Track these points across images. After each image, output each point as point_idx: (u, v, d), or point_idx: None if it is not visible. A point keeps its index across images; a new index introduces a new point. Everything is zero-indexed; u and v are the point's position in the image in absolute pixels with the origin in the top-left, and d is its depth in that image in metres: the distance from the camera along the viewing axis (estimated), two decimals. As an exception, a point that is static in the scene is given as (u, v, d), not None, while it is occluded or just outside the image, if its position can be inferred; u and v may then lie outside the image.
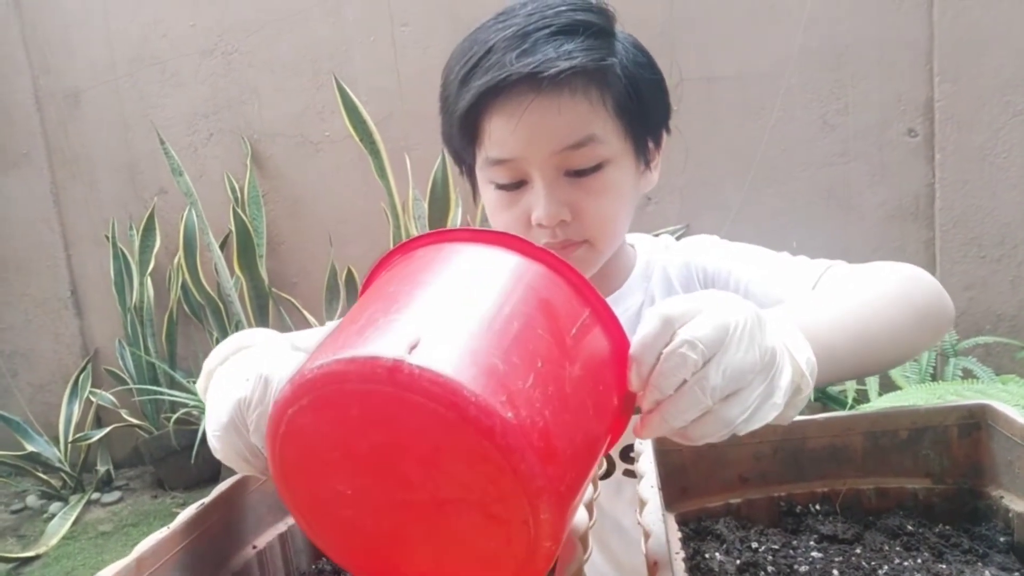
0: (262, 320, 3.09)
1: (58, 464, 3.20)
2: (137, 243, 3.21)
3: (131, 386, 3.21)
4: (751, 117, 2.65)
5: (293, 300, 3.12)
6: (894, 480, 0.59)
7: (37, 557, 2.71)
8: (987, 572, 0.50)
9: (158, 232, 3.24)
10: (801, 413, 0.57)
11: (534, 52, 0.72)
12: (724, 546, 0.55)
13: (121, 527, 2.92)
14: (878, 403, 2.00)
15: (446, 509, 0.39)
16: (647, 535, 0.48)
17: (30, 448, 3.15)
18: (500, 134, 0.75)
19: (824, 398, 2.34)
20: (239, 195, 3.09)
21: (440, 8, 2.85)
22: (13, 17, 3.26)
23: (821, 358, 0.52)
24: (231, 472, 0.58)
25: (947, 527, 0.57)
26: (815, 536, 0.56)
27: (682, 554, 0.50)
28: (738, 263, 0.88)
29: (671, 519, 0.57)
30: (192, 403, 3.02)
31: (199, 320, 3.24)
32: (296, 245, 3.18)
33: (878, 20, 2.50)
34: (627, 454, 0.89)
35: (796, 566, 0.52)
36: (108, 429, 3.21)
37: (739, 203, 2.68)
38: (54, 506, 3.09)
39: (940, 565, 0.51)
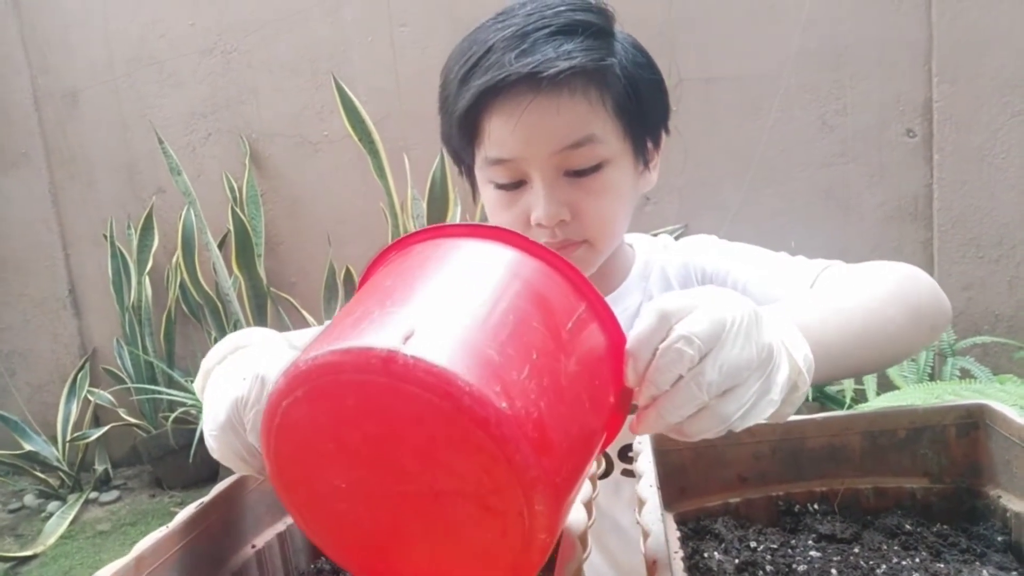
0: (260, 320, 3.08)
1: (56, 463, 3.20)
2: (135, 243, 3.21)
3: (129, 385, 3.21)
4: (750, 117, 2.65)
5: (292, 300, 3.12)
6: (892, 480, 0.59)
7: (35, 556, 2.71)
8: (985, 571, 0.50)
9: (156, 232, 3.24)
10: (799, 413, 0.57)
11: (533, 52, 0.72)
12: (723, 545, 0.55)
13: (119, 526, 2.92)
14: (876, 403, 2.00)
15: (441, 501, 0.39)
16: (646, 534, 0.48)
17: (28, 447, 3.15)
18: (499, 134, 0.75)
19: (822, 398, 2.34)
20: (237, 195, 3.08)
21: (439, 8, 2.85)
22: (12, 17, 3.26)
23: (818, 355, 0.52)
24: (230, 472, 0.58)
25: (945, 526, 0.57)
26: (813, 535, 0.56)
27: (681, 553, 0.50)
28: (736, 263, 0.88)
29: (670, 518, 0.57)
30: (190, 402, 3.02)
31: (197, 320, 3.24)
32: (295, 245, 3.18)
33: (877, 21, 2.51)
34: (625, 454, 0.89)
35: (795, 565, 0.52)
36: (106, 428, 3.21)
37: (738, 203, 2.68)
38: (52, 505, 3.09)
39: (938, 564, 0.51)
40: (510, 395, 0.36)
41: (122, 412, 3.21)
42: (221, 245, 3.07)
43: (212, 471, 3.10)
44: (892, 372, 2.21)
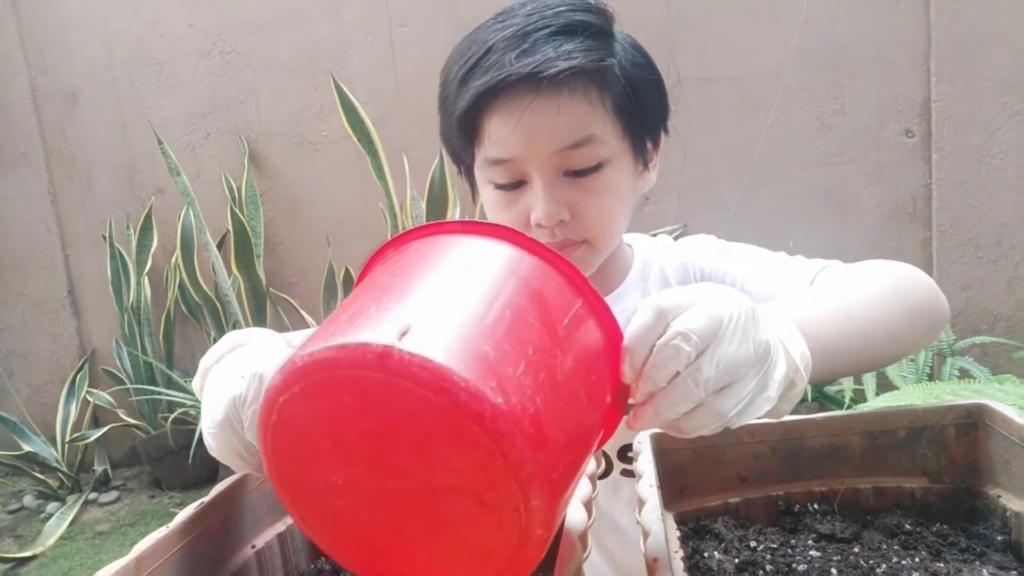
0: (260, 320, 3.08)
1: (55, 464, 3.19)
2: (134, 243, 3.21)
3: (128, 386, 3.21)
4: (748, 118, 2.66)
5: (291, 300, 3.12)
6: (892, 479, 0.60)
7: (34, 557, 2.71)
8: (984, 571, 0.50)
9: (155, 232, 3.23)
10: (798, 412, 0.57)
11: (534, 52, 0.72)
12: (723, 545, 0.55)
13: (118, 527, 2.92)
14: (875, 403, 2.01)
15: (438, 497, 0.39)
16: (646, 534, 0.48)
17: (27, 448, 3.15)
18: (499, 134, 0.75)
19: (821, 398, 2.34)
20: (237, 195, 3.08)
21: (438, 9, 2.85)
22: (11, 16, 3.25)
23: (816, 353, 0.52)
24: (229, 472, 0.58)
25: (945, 526, 0.57)
26: (813, 535, 0.56)
27: (681, 553, 0.50)
28: (735, 262, 0.88)
29: (670, 518, 0.57)
30: (189, 403, 3.02)
31: (196, 320, 3.24)
32: (294, 245, 3.18)
33: (875, 21, 2.51)
34: (624, 454, 0.89)
35: (794, 565, 0.52)
36: (105, 429, 3.21)
37: (736, 203, 2.68)
38: (51, 506, 3.09)
39: (938, 564, 0.51)
40: (506, 391, 0.36)
41: (121, 413, 3.21)
42: (220, 245, 3.07)
43: (211, 472, 3.09)
44: (891, 372, 2.21)
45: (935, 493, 0.59)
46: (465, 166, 0.85)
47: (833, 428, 0.60)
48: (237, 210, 3.00)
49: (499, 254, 0.44)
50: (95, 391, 3.29)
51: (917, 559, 0.52)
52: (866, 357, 0.67)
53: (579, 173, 0.76)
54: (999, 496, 0.56)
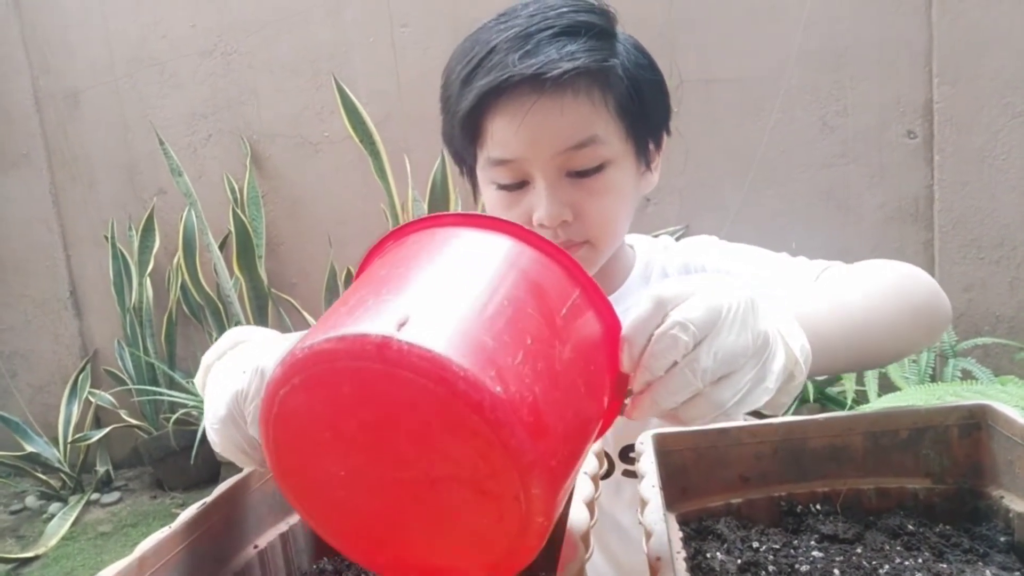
0: (261, 321, 3.09)
1: (57, 465, 3.20)
2: (136, 244, 3.21)
3: (130, 387, 3.21)
4: (750, 118, 2.65)
5: (292, 301, 3.12)
6: (894, 480, 0.59)
7: (36, 558, 2.71)
8: (988, 572, 0.50)
9: (157, 233, 3.24)
10: (800, 413, 0.57)
11: (537, 53, 0.72)
12: (725, 546, 0.55)
13: (120, 528, 2.92)
14: (877, 404, 2.00)
15: (439, 487, 0.39)
16: (649, 535, 0.48)
17: (29, 449, 3.15)
18: (502, 135, 0.75)
19: (823, 399, 2.34)
20: (238, 196, 3.09)
21: (440, 10, 2.85)
22: (13, 17, 3.26)
23: (816, 347, 0.52)
24: (231, 472, 0.58)
25: (947, 527, 0.57)
26: (816, 536, 0.56)
27: (683, 554, 0.50)
28: (737, 263, 0.89)
29: (672, 519, 0.57)
30: (191, 404, 3.02)
31: (198, 321, 3.24)
32: (295, 246, 3.19)
33: (877, 22, 2.51)
34: (626, 454, 0.89)
35: (797, 566, 0.52)
36: (107, 430, 3.21)
37: (738, 204, 2.68)
38: (53, 507, 3.09)
39: (941, 565, 0.51)
40: (504, 380, 0.36)
41: (123, 413, 3.22)
42: (222, 246, 3.07)
43: (213, 472, 3.10)
44: (893, 373, 2.21)
45: (938, 494, 0.59)
46: (467, 166, 0.85)
47: (835, 429, 0.60)
48: (239, 211, 3.00)
49: (497, 245, 0.44)
50: (97, 392, 3.29)
51: (920, 560, 0.52)
52: (866, 353, 0.67)
53: (582, 174, 0.76)
54: (1002, 497, 0.56)
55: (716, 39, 2.64)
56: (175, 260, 3.18)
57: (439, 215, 0.47)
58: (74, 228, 3.40)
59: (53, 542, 2.76)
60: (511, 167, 0.77)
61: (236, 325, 2.96)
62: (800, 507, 0.59)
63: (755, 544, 0.55)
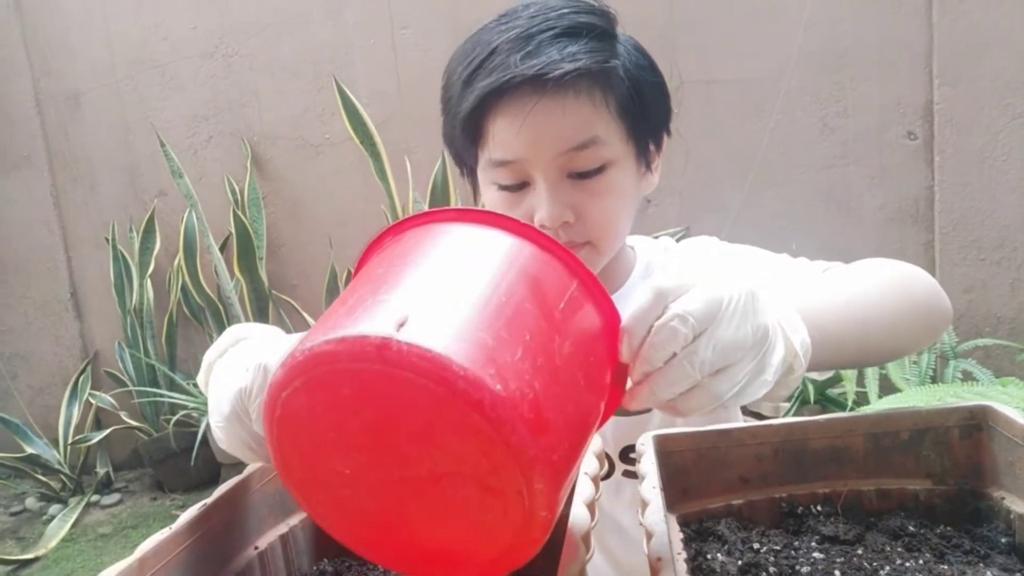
0: (262, 322, 3.08)
1: (57, 466, 3.20)
2: (137, 245, 3.21)
3: (131, 388, 3.21)
4: (751, 119, 2.66)
5: (293, 302, 3.12)
6: (895, 481, 0.59)
7: (36, 559, 2.71)
8: (988, 573, 0.50)
9: (158, 234, 3.24)
10: (801, 415, 0.57)
11: (538, 54, 0.72)
12: (726, 547, 0.55)
13: (120, 529, 2.92)
14: (878, 405, 2.00)
15: (442, 483, 0.40)
16: (649, 536, 0.48)
17: (29, 450, 3.15)
18: (504, 136, 0.75)
19: (824, 400, 2.34)
20: (239, 197, 3.09)
21: (440, 11, 2.86)
22: (14, 19, 3.26)
23: (816, 340, 0.52)
24: (231, 474, 0.58)
25: (948, 528, 0.57)
26: (816, 537, 0.56)
27: (684, 555, 0.49)
28: (738, 264, 0.89)
29: (672, 520, 0.57)
30: (192, 405, 3.02)
31: (199, 322, 3.24)
32: (296, 247, 3.19)
33: (877, 23, 2.51)
34: (626, 455, 0.89)
35: (798, 567, 0.52)
36: (108, 431, 3.21)
37: (739, 205, 2.68)
38: (53, 508, 3.09)
39: (942, 566, 0.51)
40: (504, 377, 0.36)
41: (123, 415, 3.22)
42: (223, 248, 3.07)
43: (213, 474, 3.10)
44: (894, 374, 2.21)
45: (939, 495, 0.59)
46: (468, 167, 0.85)
47: (836, 430, 0.60)
48: (240, 212, 3.01)
49: (493, 240, 0.44)
50: (97, 393, 3.29)
51: (921, 561, 0.52)
52: (867, 349, 0.67)
53: (583, 175, 0.76)
54: (1003, 498, 0.56)
55: (716, 40, 2.64)
56: (176, 262, 3.18)
57: (436, 210, 0.47)
58: (75, 230, 3.40)
59: (53, 544, 2.76)
60: (512, 168, 0.77)
61: (237, 326, 2.97)
62: (801, 508, 0.59)
63: (756, 545, 0.55)
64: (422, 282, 0.41)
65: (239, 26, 3.08)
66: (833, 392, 2.36)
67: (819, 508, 0.59)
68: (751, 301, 0.45)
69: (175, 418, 3.05)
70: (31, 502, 3.22)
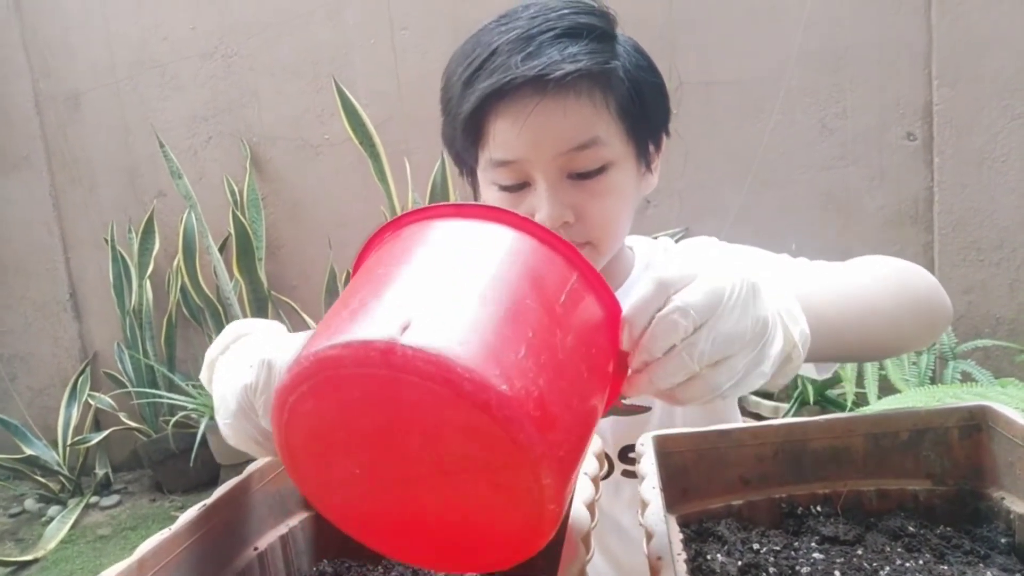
0: (261, 323, 3.08)
1: (56, 467, 3.19)
2: (136, 246, 3.21)
3: (130, 389, 3.21)
4: (750, 120, 2.66)
5: (292, 303, 3.12)
6: (895, 481, 0.59)
7: (35, 561, 2.71)
8: (988, 573, 0.50)
9: (157, 235, 3.24)
10: (800, 415, 0.57)
11: (539, 55, 0.72)
12: (726, 547, 0.55)
13: (120, 530, 2.92)
14: (877, 406, 2.00)
15: (452, 479, 0.40)
16: (649, 536, 0.48)
17: (28, 451, 3.15)
18: (505, 136, 0.75)
19: (824, 401, 2.34)
20: (238, 198, 3.09)
21: (440, 12, 2.86)
22: (14, 20, 3.26)
23: (816, 329, 0.53)
24: (230, 475, 0.58)
25: (948, 528, 0.57)
26: (816, 537, 0.56)
27: (684, 555, 0.49)
28: (737, 264, 0.88)
29: (672, 520, 0.57)
30: (191, 406, 3.02)
31: (198, 323, 3.24)
32: (295, 248, 3.19)
33: (877, 23, 2.51)
34: (625, 455, 0.89)
35: (798, 567, 0.52)
36: (107, 432, 3.21)
37: (738, 206, 2.68)
38: (52, 509, 3.09)
39: (942, 566, 0.51)
40: (509, 376, 0.37)
41: (123, 416, 3.21)
42: (222, 248, 3.07)
43: (213, 475, 3.09)
44: (893, 375, 2.21)
45: (939, 495, 0.59)
46: (468, 168, 0.85)
47: (836, 430, 0.60)
48: (239, 213, 3.00)
49: (492, 235, 0.44)
50: (96, 394, 3.29)
51: (921, 561, 0.52)
52: (866, 342, 0.68)
53: (583, 175, 0.77)
54: (1003, 498, 0.56)
55: (716, 40, 2.64)
56: (175, 263, 3.18)
57: (433, 206, 0.47)
58: (74, 230, 3.40)
59: (52, 545, 2.76)
60: (513, 168, 0.77)
61: (236, 327, 2.97)
62: (801, 509, 0.59)
63: (756, 546, 0.55)
64: (423, 282, 0.41)
65: (239, 27, 3.08)
66: (832, 393, 2.36)
67: (819, 508, 0.59)
68: (752, 292, 0.46)
69: (174, 419, 3.05)
70: (30, 503, 3.21)
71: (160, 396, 3.14)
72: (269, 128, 3.13)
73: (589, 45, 0.74)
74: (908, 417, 0.59)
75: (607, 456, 0.90)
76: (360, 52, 2.99)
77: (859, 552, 0.53)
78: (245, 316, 3.01)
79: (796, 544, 0.55)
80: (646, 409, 0.90)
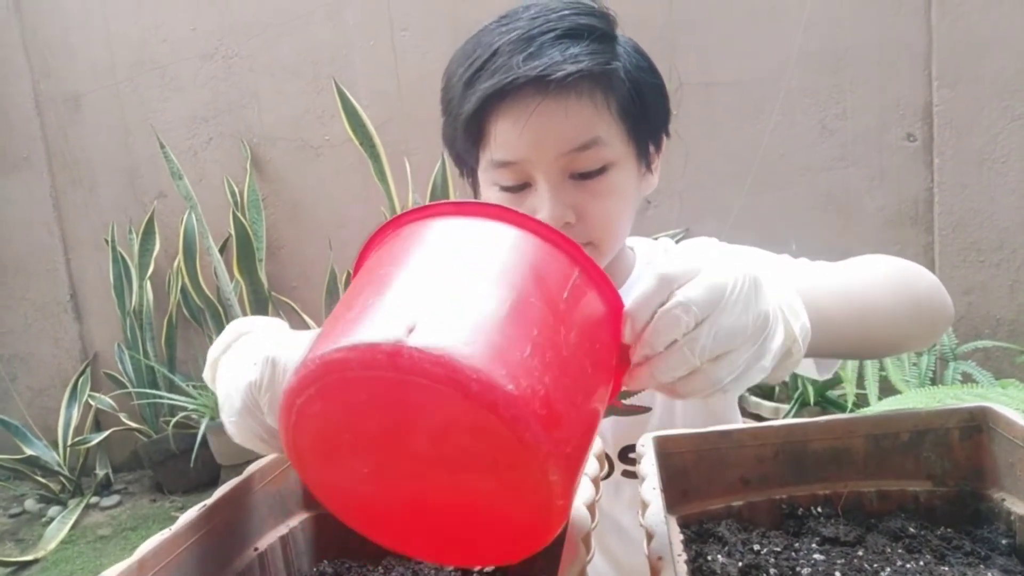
0: (261, 324, 3.08)
1: (57, 468, 3.19)
2: (136, 247, 3.21)
3: (130, 390, 3.21)
4: (750, 121, 2.66)
5: (293, 304, 3.12)
6: (895, 482, 0.59)
7: (36, 561, 2.71)
8: (989, 574, 0.50)
9: (158, 236, 3.24)
10: (801, 416, 0.57)
11: (540, 55, 0.72)
12: (726, 548, 0.55)
13: (120, 531, 2.92)
14: (878, 407, 2.00)
15: (460, 477, 0.41)
16: (650, 537, 0.48)
17: (29, 452, 3.15)
18: (506, 137, 0.75)
19: (824, 402, 2.34)
20: (239, 199, 3.09)
21: (439, 13, 2.86)
22: (14, 20, 3.26)
23: (816, 323, 0.53)
24: (231, 475, 0.58)
25: (949, 529, 0.57)
26: (817, 538, 0.56)
27: (684, 556, 0.49)
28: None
29: (673, 521, 0.57)
30: (191, 407, 3.02)
31: (198, 324, 3.24)
32: (296, 249, 3.19)
33: (877, 24, 2.51)
34: (625, 455, 0.89)
35: (798, 568, 0.51)
36: (107, 433, 3.21)
37: (738, 207, 2.68)
38: (53, 510, 3.09)
39: (942, 567, 0.51)
40: (515, 376, 0.37)
41: (123, 416, 3.21)
42: (222, 249, 3.07)
43: (213, 475, 3.09)
44: (894, 376, 2.21)
45: (939, 496, 0.59)
46: (468, 168, 0.85)
47: (836, 431, 0.60)
48: (239, 214, 3.00)
49: (493, 233, 0.44)
50: (97, 395, 3.29)
51: (921, 563, 0.52)
52: (867, 338, 0.68)
53: (585, 176, 0.77)
54: (1003, 499, 0.56)
55: (715, 41, 2.64)
56: (175, 263, 3.18)
57: (432, 205, 0.47)
58: (74, 231, 3.40)
59: (52, 545, 2.76)
60: (514, 169, 0.77)
61: (236, 328, 2.97)
62: (801, 510, 0.59)
63: (756, 547, 0.55)
64: (427, 282, 0.41)
65: (239, 27, 3.08)
66: (833, 394, 2.36)
67: (819, 509, 0.59)
68: (754, 287, 0.46)
69: (174, 420, 3.05)
70: (30, 504, 3.21)
71: (160, 397, 3.14)
72: (269, 129, 3.13)
73: (590, 46, 0.74)
74: (908, 418, 0.59)
75: (607, 456, 0.90)
76: (360, 53, 2.99)
77: (860, 553, 0.53)
78: (245, 316, 3.00)
79: (797, 545, 0.55)
80: (646, 409, 0.90)
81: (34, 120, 3.32)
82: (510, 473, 0.39)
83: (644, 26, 2.55)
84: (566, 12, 0.75)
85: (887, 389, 2.20)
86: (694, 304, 0.43)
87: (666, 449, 0.58)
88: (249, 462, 0.62)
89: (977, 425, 0.58)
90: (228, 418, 0.54)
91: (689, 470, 0.60)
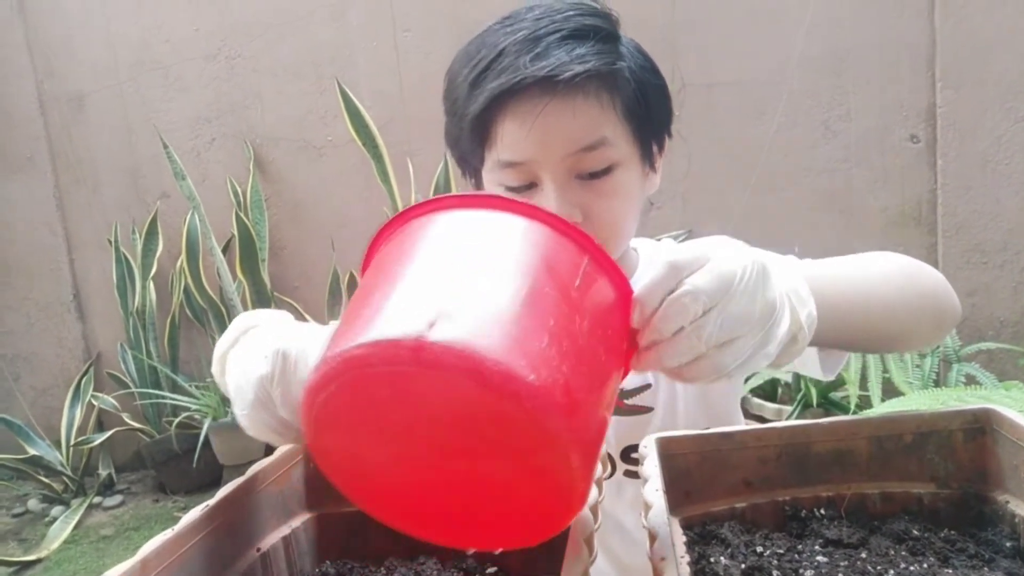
0: (264, 324, 3.08)
1: (60, 468, 3.20)
2: (139, 247, 3.22)
3: (133, 390, 3.21)
4: (753, 122, 2.65)
5: (295, 304, 3.12)
6: (899, 484, 0.59)
7: (38, 561, 2.71)
8: (993, 577, 0.50)
9: (161, 236, 3.24)
10: (804, 418, 0.57)
11: (547, 56, 0.72)
12: (729, 550, 0.54)
13: (122, 531, 2.92)
14: (881, 409, 2.00)
15: (482, 465, 0.42)
16: (652, 538, 0.48)
17: (32, 452, 3.15)
18: (513, 137, 0.75)
19: (827, 404, 2.34)
20: (242, 199, 3.09)
21: (442, 13, 2.86)
22: (17, 21, 3.27)
23: (823, 312, 0.54)
24: (233, 475, 0.58)
25: (953, 532, 0.56)
26: (820, 540, 0.56)
27: (687, 558, 0.49)
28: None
29: (675, 523, 0.57)
30: (194, 407, 3.02)
31: (201, 324, 3.25)
32: (298, 249, 3.19)
33: (880, 25, 2.51)
34: (628, 455, 0.89)
35: (801, 570, 0.51)
36: (110, 433, 3.21)
37: (741, 208, 2.68)
38: (55, 510, 3.09)
39: (946, 570, 0.51)
40: (536, 366, 0.38)
41: (126, 417, 3.22)
42: (225, 250, 3.07)
43: (216, 476, 3.10)
44: (897, 378, 2.20)
45: (943, 498, 0.58)
46: (472, 169, 0.85)
47: (840, 433, 0.60)
48: (242, 214, 3.01)
49: (503, 225, 0.45)
50: (100, 395, 3.29)
51: (925, 565, 0.52)
52: (871, 331, 0.68)
53: (591, 176, 0.77)
54: (1007, 501, 0.56)
55: (718, 42, 2.64)
56: (178, 263, 3.19)
57: (440, 198, 0.47)
58: (78, 231, 3.40)
59: (55, 545, 2.76)
60: (520, 169, 0.77)
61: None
62: (804, 511, 0.59)
63: (759, 549, 0.55)
64: (444, 275, 0.42)
65: (241, 28, 3.09)
66: (836, 395, 2.36)
67: (822, 511, 0.59)
68: (762, 275, 0.47)
69: (177, 420, 3.05)
70: (33, 504, 3.22)
71: (163, 397, 3.14)
72: (272, 129, 3.13)
73: (596, 46, 0.74)
74: (912, 420, 0.59)
75: (609, 456, 0.90)
76: (363, 53, 2.99)
77: (863, 555, 0.53)
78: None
79: (800, 547, 0.55)
80: (648, 409, 0.90)
81: (37, 120, 3.33)
82: (532, 460, 0.40)
83: (645, 27, 2.55)
84: (571, 13, 0.76)
85: (890, 391, 2.20)
86: (703, 292, 0.44)
87: (669, 450, 0.58)
88: (251, 462, 0.62)
89: (981, 427, 0.58)
90: (240, 411, 0.55)
91: (692, 471, 0.60)
